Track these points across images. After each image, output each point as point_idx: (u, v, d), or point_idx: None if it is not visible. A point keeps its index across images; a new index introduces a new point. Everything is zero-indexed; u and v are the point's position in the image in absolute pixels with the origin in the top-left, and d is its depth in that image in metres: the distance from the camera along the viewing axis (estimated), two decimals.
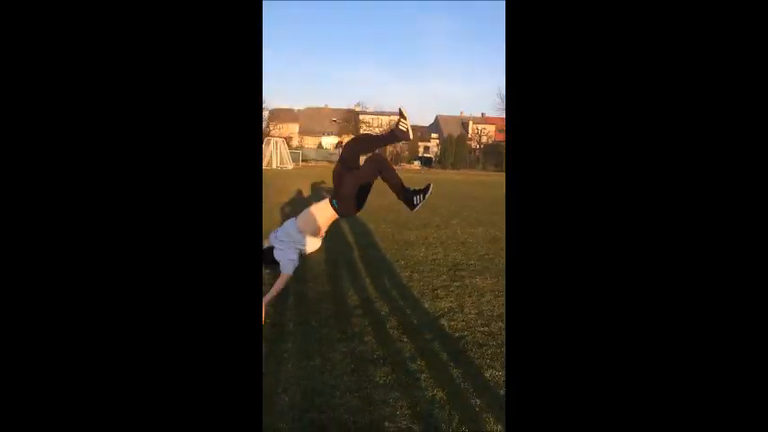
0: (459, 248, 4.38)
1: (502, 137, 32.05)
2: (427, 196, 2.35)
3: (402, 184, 2.38)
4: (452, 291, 3.05)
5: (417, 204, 2.35)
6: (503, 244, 4.65)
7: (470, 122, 35.49)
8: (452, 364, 1.99)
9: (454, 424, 1.54)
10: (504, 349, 2.17)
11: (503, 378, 1.89)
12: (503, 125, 32.66)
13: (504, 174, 23.07)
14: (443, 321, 2.49)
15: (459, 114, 39.01)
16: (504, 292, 3.04)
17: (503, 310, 2.73)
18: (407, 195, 2.36)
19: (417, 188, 2.36)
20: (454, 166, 25.29)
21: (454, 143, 26.08)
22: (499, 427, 1.54)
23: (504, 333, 2.37)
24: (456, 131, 30.84)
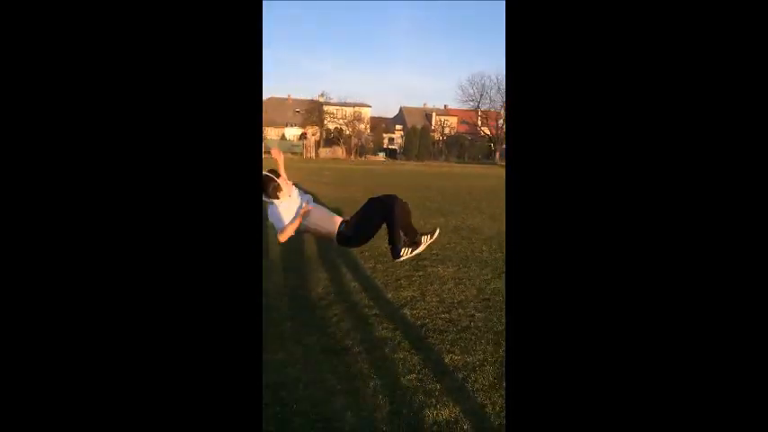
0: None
1: (464, 128, 32.67)
2: (417, 252, 2.29)
3: (397, 235, 2.30)
4: (415, 280, 3.11)
5: (402, 257, 2.28)
6: (464, 233, 4.78)
7: (434, 114, 35.90)
8: (414, 351, 2.04)
9: (415, 408, 1.59)
10: (463, 334, 2.25)
11: (461, 362, 1.96)
12: (464, 117, 33.27)
13: (465, 165, 23.59)
14: (406, 310, 2.54)
15: (422, 106, 39.34)
16: (464, 280, 3.13)
17: (463, 296, 2.82)
18: (396, 248, 2.29)
19: (410, 240, 2.29)
20: (418, 158, 25.54)
21: (418, 135, 26.30)
22: (458, 408, 1.61)
23: (462, 319, 2.46)
24: (420, 123, 31.11)
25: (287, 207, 2.27)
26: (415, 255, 2.29)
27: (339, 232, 2.26)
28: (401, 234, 2.32)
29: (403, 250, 2.32)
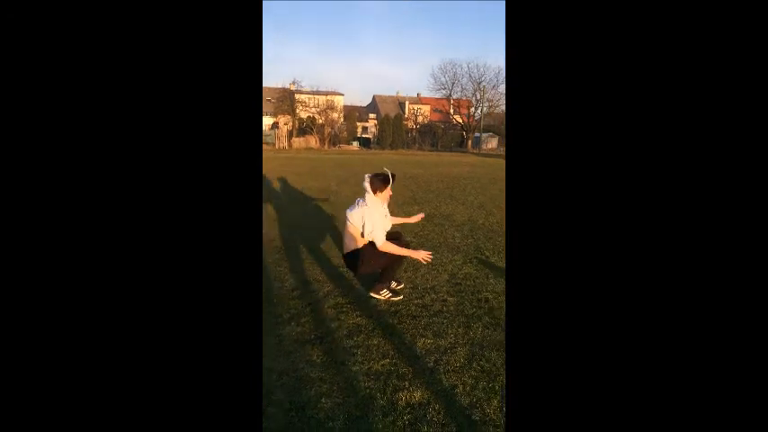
0: (395, 226, 4.48)
1: (437, 117, 32.81)
2: (389, 297, 2.52)
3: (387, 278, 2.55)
4: None
5: (375, 296, 2.53)
6: (437, 221, 4.84)
7: (407, 103, 35.82)
8: (387, 337, 2.07)
9: (389, 392, 1.62)
10: (435, 319, 2.29)
11: (434, 345, 2.01)
12: (437, 105, 33.39)
13: (440, 153, 23.74)
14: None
15: (395, 95, 39.17)
16: (437, 266, 3.18)
17: (435, 282, 2.87)
18: (378, 284, 2.55)
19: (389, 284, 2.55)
20: (392, 147, 25.50)
21: (392, 124, 26.20)
22: (430, 390, 1.65)
23: (435, 304, 2.50)
24: (393, 112, 30.98)
25: (381, 216, 2.49)
26: (383, 298, 2.54)
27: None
28: (386, 276, 2.55)
29: (382, 292, 2.55)
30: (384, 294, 2.54)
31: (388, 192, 2.53)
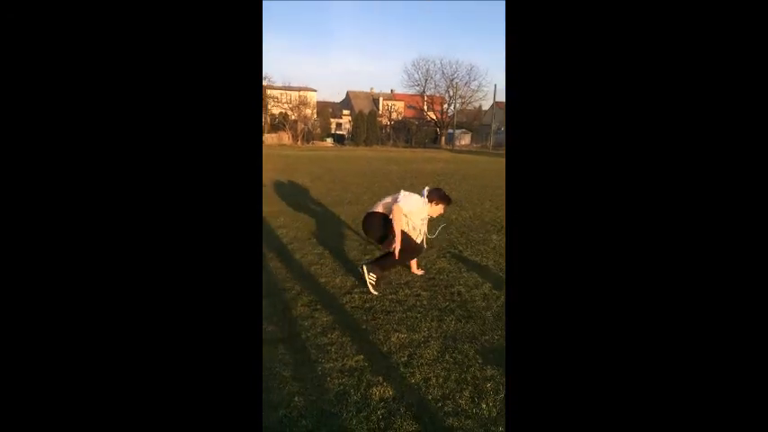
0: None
1: (411, 113, 32.94)
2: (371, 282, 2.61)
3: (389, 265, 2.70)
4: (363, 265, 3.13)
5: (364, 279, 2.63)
6: None
7: (381, 99, 35.78)
8: (362, 333, 2.07)
9: (363, 387, 1.62)
10: (409, 313, 2.32)
11: (407, 339, 2.03)
12: (411, 101, 33.51)
13: (414, 149, 23.88)
14: (354, 294, 2.56)
15: (369, 90, 39.04)
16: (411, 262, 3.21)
17: (410, 277, 2.89)
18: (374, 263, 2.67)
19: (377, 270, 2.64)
20: (366, 143, 25.43)
21: (366, 120, 26.12)
22: (404, 384, 1.66)
23: (409, 299, 2.52)
24: (367, 108, 30.88)
25: (418, 214, 2.80)
26: (368, 279, 2.62)
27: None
28: (387, 263, 2.67)
29: (370, 274, 2.62)
30: (370, 277, 2.61)
31: (439, 209, 2.83)
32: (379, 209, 2.75)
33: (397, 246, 2.58)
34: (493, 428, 1.43)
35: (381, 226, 2.68)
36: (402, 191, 2.78)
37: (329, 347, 1.93)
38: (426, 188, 2.83)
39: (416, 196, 2.74)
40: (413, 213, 2.72)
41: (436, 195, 2.80)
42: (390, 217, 2.61)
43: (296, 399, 1.55)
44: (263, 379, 1.66)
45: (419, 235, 2.85)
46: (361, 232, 4.02)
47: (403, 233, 2.62)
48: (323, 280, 2.81)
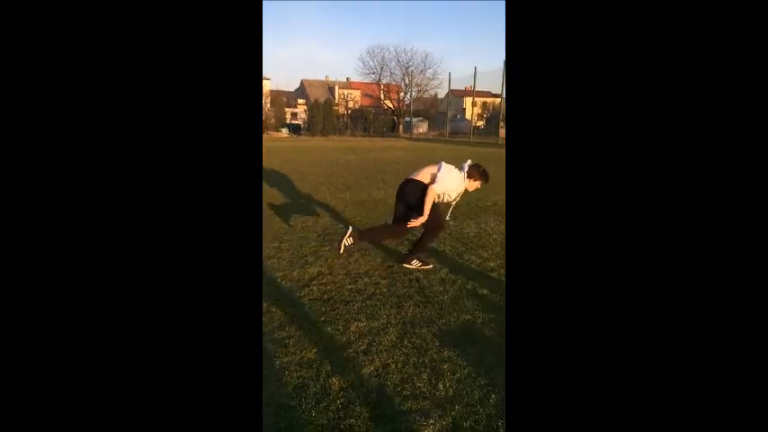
0: (328, 214, 4.44)
1: (367, 102, 32.73)
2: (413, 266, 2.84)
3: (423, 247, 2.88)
4: (321, 255, 3.11)
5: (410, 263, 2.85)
6: (370, 206, 4.87)
7: (336, 87, 35.23)
8: (321, 325, 2.06)
9: (321, 379, 1.62)
10: (369, 302, 2.33)
11: (367, 327, 2.04)
12: (367, 90, 33.28)
13: (372, 138, 23.80)
14: (313, 286, 2.54)
15: (324, 79, 38.29)
16: (369, 251, 3.22)
17: (369, 266, 2.90)
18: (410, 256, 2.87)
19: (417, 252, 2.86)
20: (323, 133, 25.03)
21: (322, 109, 25.65)
22: (364, 371, 1.68)
23: (368, 287, 2.54)
24: (323, 97, 30.31)
25: (455, 186, 2.81)
26: (414, 267, 2.85)
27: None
28: (421, 246, 2.84)
29: (413, 262, 2.85)
30: (414, 264, 2.82)
31: (476, 185, 2.86)
32: (425, 178, 2.73)
33: (416, 223, 2.65)
34: (449, 407, 1.49)
35: (418, 198, 2.68)
36: (443, 163, 2.78)
37: (287, 341, 1.90)
38: (468, 163, 2.84)
39: (456, 172, 2.76)
40: (450, 191, 2.76)
41: (476, 172, 2.81)
42: (427, 189, 2.65)
43: None
44: None
45: (448, 212, 2.93)
46: (316, 223, 3.97)
47: (433, 211, 2.67)
48: (280, 274, 2.76)
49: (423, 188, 2.67)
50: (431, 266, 2.84)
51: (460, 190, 2.82)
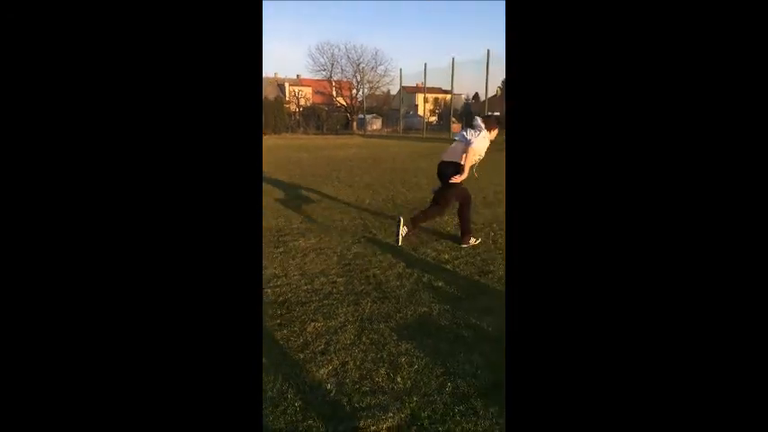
0: (282, 214, 4.34)
1: (319, 99, 32.27)
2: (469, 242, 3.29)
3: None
4: (276, 257, 3.04)
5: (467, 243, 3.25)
6: (323, 204, 4.82)
7: (286, 84, 34.41)
8: (276, 327, 2.02)
9: (278, 383, 1.59)
10: (326, 301, 2.31)
11: (324, 327, 2.02)
12: (318, 87, 32.79)
13: (326, 135, 23.52)
14: (267, 289, 2.47)
15: (273, 76, 37.25)
16: (325, 249, 3.19)
17: (324, 265, 2.87)
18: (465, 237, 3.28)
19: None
20: (275, 131, 24.39)
21: (272, 107, 24.95)
22: (322, 371, 1.66)
23: (325, 287, 2.51)
24: (273, 94, 29.46)
25: (484, 147, 3.21)
26: (473, 243, 3.26)
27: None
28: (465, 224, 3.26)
29: (471, 240, 3.26)
30: (473, 241, 3.24)
31: (495, 132, 3.16)
32: (456, 156, 3.11)
33: (459, 178, 3.04)
34: (407, 399, 1.51)
35: (454, 171, 3.08)
36: (469, 129, 3.13)
37: None
38: (479, 118, 3.16)
39: (480, 132, 3.07)
40: (481, 149, 3.13)
41: (491, 121, 3.13)
42: (463, 161, 3.03)
43: None
44: None
45: (475, 173, 3.25)
46: (269, 224, 3.87)
47: (457, 187, 3.12)
48: None
49: (456, 164, 3.09)
50: (479, 240, 3.29)
51: (487, 144, 3.17)
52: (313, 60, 41.31)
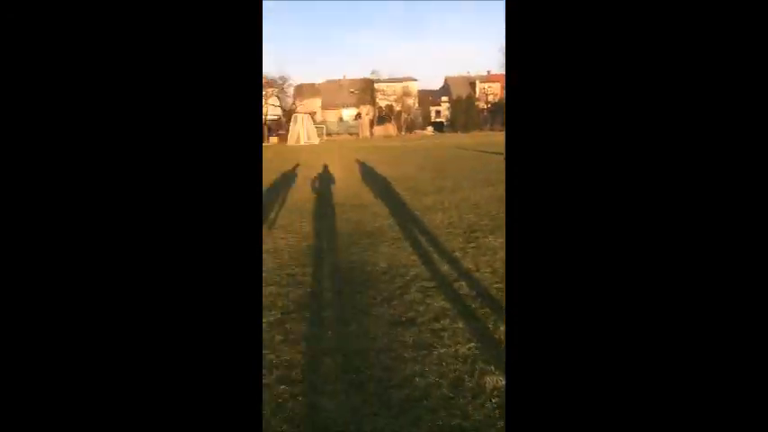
0: (473, 210, 4.34)
1: None
2: None
3: None
4: (468, 252, 3.06)
5: None
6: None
7: (477, 82, 33.78)
8: (471, 321, 2.04)
9: (477, 375, 1.60)
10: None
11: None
12: None
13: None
14: (462, 282, 2.53)
15: (466, 74, 37.13)
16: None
17: None
18: None
19: None
20: (465, 129, 24.45)
21: (463, 105, 25.03)
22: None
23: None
24: (465, 92, 29.46)
25: None
26: None
27: None
28: None
29: None
30: None
31: None
32: None
33: None
34: None
35: None
36: None
37: (442, 333, 1.94)
38: None
39: None
40: None
41: None
42: None
43: (417, 380, 1.60)
44: (386, 357, 1.75)
45: None
46: (467, 217, 3.93)
47: None
48: (432, 267, 2.82)
49: None
50: None
51: None
52: (502, 54, 39.08)
